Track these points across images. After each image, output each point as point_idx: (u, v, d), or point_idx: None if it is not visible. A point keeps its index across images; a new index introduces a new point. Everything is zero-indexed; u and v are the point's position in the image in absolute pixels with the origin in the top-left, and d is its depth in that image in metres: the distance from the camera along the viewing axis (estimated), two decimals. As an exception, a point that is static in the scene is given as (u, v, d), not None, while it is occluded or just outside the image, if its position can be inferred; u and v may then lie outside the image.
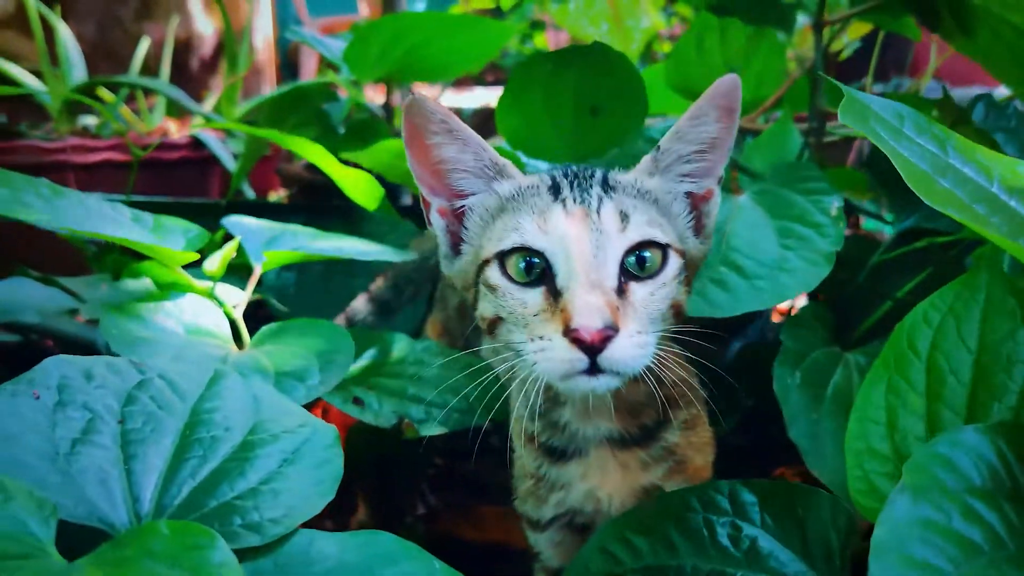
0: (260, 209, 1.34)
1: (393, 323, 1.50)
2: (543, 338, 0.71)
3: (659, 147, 0.82)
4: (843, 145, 2.11)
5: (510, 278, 0.75)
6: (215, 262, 1.15)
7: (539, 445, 0.88)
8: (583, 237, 0.73)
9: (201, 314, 1.10)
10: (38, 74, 2.44)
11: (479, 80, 3.99)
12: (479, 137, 0.80)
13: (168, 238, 1.12)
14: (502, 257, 0.76)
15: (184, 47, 3.51)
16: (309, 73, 4.14)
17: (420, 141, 0.80)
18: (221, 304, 1.13)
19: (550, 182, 0.79)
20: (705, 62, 1.58)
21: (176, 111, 2.66)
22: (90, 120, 2.51)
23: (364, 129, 1.81)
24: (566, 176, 0.80)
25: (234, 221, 1.24)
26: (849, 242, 1.34)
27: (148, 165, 2.06)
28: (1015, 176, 0.60)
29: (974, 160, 0.62)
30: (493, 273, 0.76)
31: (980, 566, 0.44)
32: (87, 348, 1.42)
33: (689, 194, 0.85)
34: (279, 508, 0.60)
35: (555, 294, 0.72)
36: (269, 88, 3.90)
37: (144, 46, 2.82)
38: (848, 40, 1.83)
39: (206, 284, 1.15)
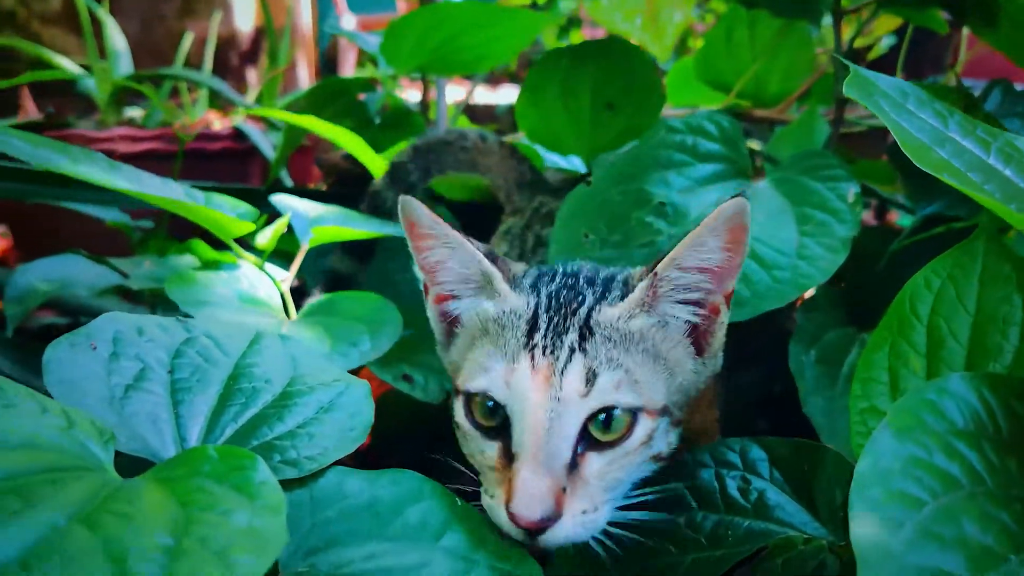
0: (300, 195, 1.39)
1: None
2: (493, 497, 0.70)
3: (656, 273, 0.75)
4: (878, 141, 2.13)
5: (474, 420, 0.73)
6: (266, 236, 1.21)
7: None
8: (541, 403, 0.69)
9: (254, 285, 1.15)
10: (85, 69, 2.52)
11: (513, 77, 4.03)
12: (471, 246, 0.77)
13: (220, 211, 1.16)
14: (469, 396, 0.74)
15: (224, 43, 3.59)
16: (348, 69, 4.19)
17: (414, 239, 0.79)
18: (270, 277, 1.18)
19: (531, 313, 0.74)
20: (734, 55, 1.61)
21: (217, 105, 2.73)
22: (135, 112, 2.59)
23: (399, 121, 1.86)
24: (549, 308, 0.75)
25: (282, 200, 1.29)
26: (873, 232, 1.37)
27: (192, 155, 2.13)
28: (1011, 148, 0.64)
29: (973, 134, 0.66)
30: (459, 410, 0.75)
31: (958, 498, 0.48)
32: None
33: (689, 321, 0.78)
34: (314, 448, 0.65)
35: (509, 456, 0.70)
36: (308, 83, 3.97)
37: (188, 42, 2.90)
38: (876, 36, 1.84)
39: (256, 259, 1.20)
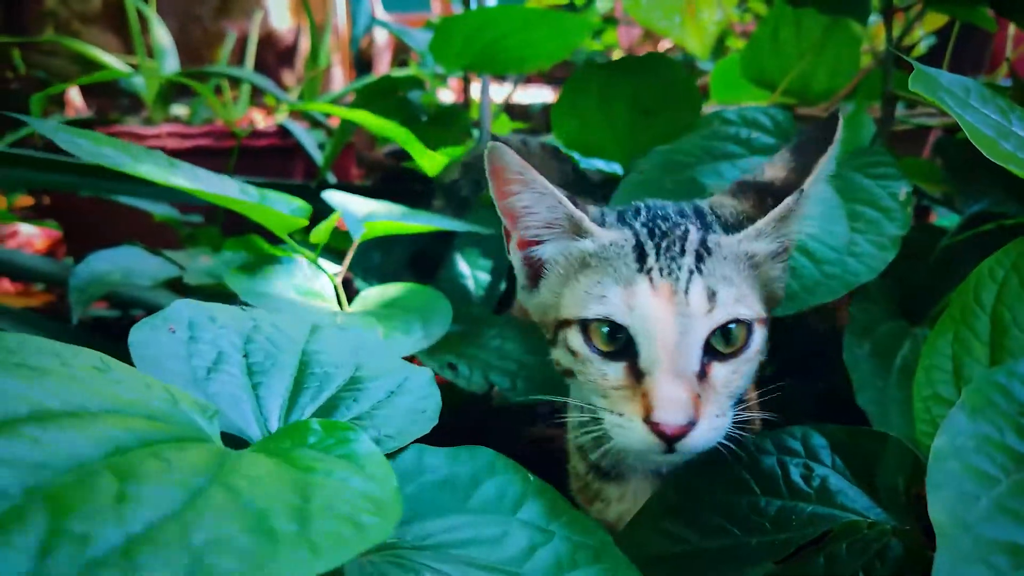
0: (348, 191, 1.42)
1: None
2: (623, 415, 0.72)
3: (792, 208, 0.79)
4: (918, 139, 2.13)
5: (593, 346, 0.75)
6: (319, 231, 1.24)
7: (587, 459, 0.91)
8: (668, 320, 0.72)
9: (309, 278, 1.17)
10: (132, 67, 2.57)
11: (548, 78, 4.05)
12: (557, 192, 0.79)
13: (275, 206, 1.19)
14: (585, 324, 0.76)
15: (261, 43, 3.65)
16: (382, 69, 4.23)
17: (500, 184, 0.81)
18: (324, 271, 1.21)
19: (634, 242, 0.77)
20: (780, 52, 1.62)
21: (256, 103, 2.78)
22: (181, 110, 2.64)
23: (445, 118, 1.89)
24: (652, 236, 0.77)
25: (334, 196, 1.31)
26: (918, 230, 1.37)
27: (239, 152, 2.17)
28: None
29: (1036, 127, 0.67)
30: (575, 339, 0.76)
31: (1030, 476, 0.49)
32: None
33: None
34: (391, 428, 0.67)
35: (637, 373, 0.73)
36: (343, 83, 4.01)
37: (230, 42, 2.95)
38: (923, 33, 1.84)
39: (310, 253, 1.23)
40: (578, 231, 0.79)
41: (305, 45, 4.47)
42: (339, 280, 1.21)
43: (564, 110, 1.44)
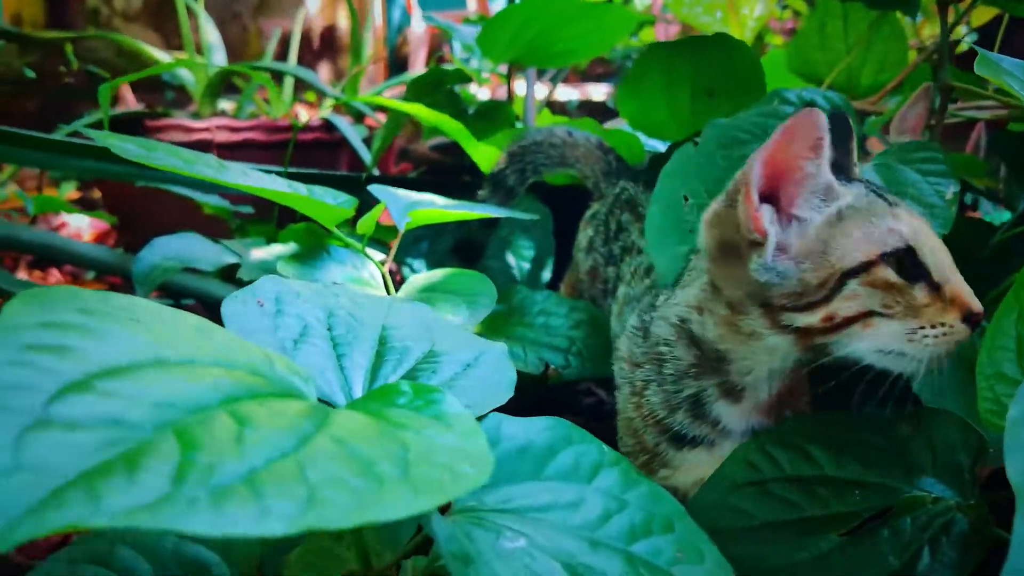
0: (396, 184, 1.45)
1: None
2: (943, 324, 0.78)
3: None
4: (960, 133, 2.13)
5: (900, 276, 0.79)
6: (365, 222, 1.27)
7: (665, 429, 0.93)
8: (931, 234, 0.82)
9: (357, 267, 1.21)
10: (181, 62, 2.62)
11: (584, 74, 4.08)
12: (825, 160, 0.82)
13: (323, 199, 1.23)
14: (886, 258, 0.79)
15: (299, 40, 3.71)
16: (418, 66, 4.26)
17: (791, 149, 0.80)
18: (371, 259, 1.24)
19: (869, 191, 0.84)
20: (827, 47, 1.63)
21: (298, 98, 2.82)
22: (227, 104, 2.69)
23: (492, 111, 1.92)
24: (870, 188, 0.85)
25: (379, 188, 1.35)
26: (967, 224, 1.38)
27: (284, 146, 2.21)
28: None
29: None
30: (882, 273, 0.79)
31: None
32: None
33: None
34: (469, 398, 0.69)
35: (932, 287, 0.79)
36: (379, 80, 4.05)
37: (275, 39, 2.99)
38: (966, 30, 1.84)
39: (357, 243, 1.26)
40: (830, 193, 0.82)
41: (341, 42, 4.52)
42: (386, 269, 1.24)
43: (628, 91, 1.47)
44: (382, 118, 2.39)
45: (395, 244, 1.32)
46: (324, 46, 4.67)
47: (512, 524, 0.61)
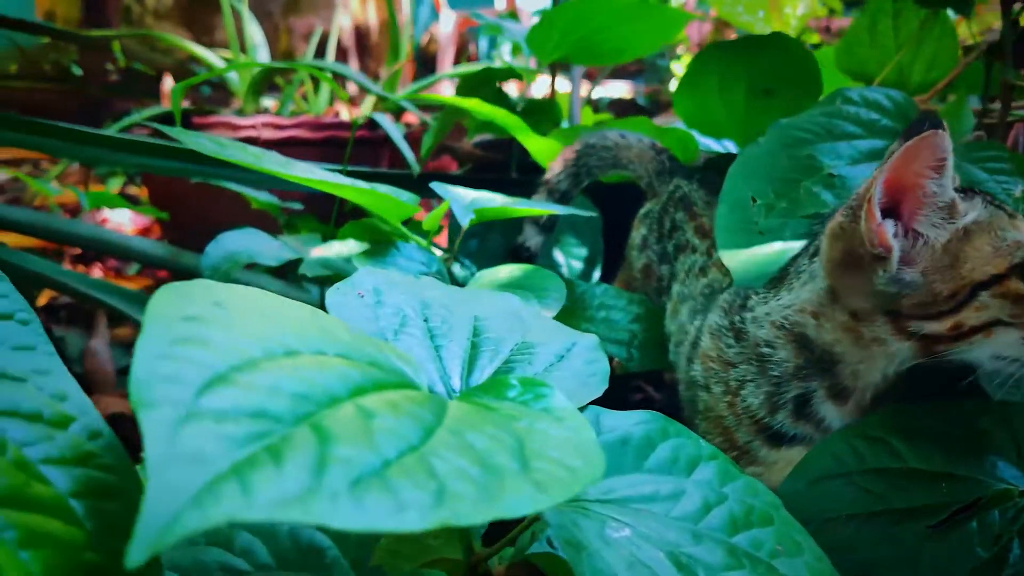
0: (446, 180, 1.47)
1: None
2: None
3: None
4: (999, 132, 2.12)
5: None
6: (431, 218, 1.29)
7: (764, 428, 0.94)
8: None
9: (423, 263, 1.23)
10: (226, 60, 2.65)
11: (616, 72, 4.08)
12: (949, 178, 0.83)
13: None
14: (1014, 270, 0.80)
15: (327, 38, 3.74)
16: (446, 66, 4.28)
17: (912, 168, 0.80)
18: (435, 256, 1.26)
19: (986, 204, 0.84)
20: (877, 45, 1.63)
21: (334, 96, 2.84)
22: (269, 102, 2.72)
23: (537, 109, 1.94)
24: (987, 199, 0.85)
25: (440, 185, 1.37)
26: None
27: (331, 143, 2.24)
28: None
29: None
30: (1017, 285, 0.80)
31: None
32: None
33: None
34: (565, 390, 0.71)
35: None
36: (408, 79, 4.07)
37: (315, 38, 3.02)
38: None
39: (421, 239, 1.28)
40: (953, 212, 0.83)
41: (370, 41, 4.54)
42: (449, 264, 1.26)
43: (685, 90, 1.50)
44: (412, 118, 2.41)
45: (458, 240, 1.34)
46: (355, 45, 4.70)
47: (615, 514, 0.62)
